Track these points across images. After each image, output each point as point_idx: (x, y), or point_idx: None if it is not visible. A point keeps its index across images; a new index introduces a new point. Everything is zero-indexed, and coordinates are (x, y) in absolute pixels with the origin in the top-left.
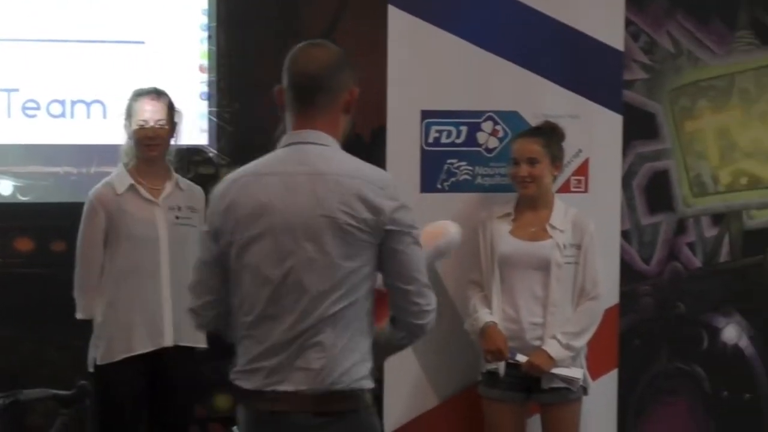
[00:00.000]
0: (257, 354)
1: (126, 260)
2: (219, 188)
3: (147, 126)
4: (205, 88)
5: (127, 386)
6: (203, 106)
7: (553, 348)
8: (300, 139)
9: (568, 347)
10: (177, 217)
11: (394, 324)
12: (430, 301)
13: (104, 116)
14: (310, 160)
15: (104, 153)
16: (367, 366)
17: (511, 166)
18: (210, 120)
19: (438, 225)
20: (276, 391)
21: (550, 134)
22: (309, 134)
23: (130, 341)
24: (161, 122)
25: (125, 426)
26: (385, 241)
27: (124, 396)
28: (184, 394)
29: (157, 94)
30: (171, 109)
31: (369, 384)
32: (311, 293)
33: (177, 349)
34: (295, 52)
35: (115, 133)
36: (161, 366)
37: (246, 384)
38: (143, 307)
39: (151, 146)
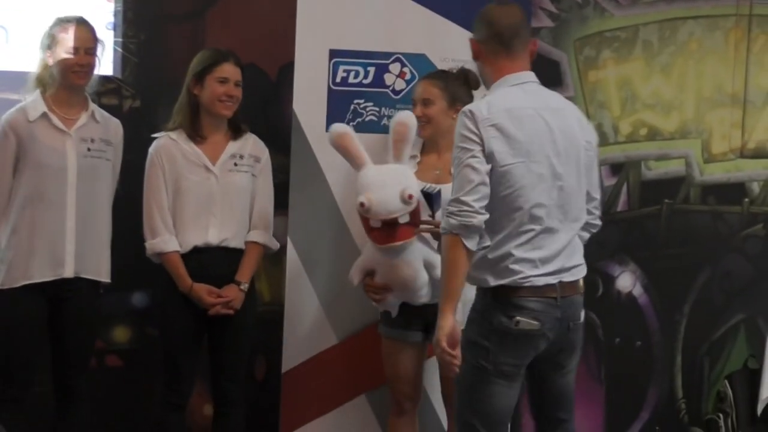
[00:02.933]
0: (544, 257)
1: (32, 187)
2: (483, 116)
3: (78, 53)
4: (111, 18)
5: (25, 313)
6: (110, 37)
7: None
8: (526, 79)
9: None
10: (89, 149)
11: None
12: None
13: (6, 42)
14: (543, 96)
15: (5, 79)
16: None
17: (413, 108)
18: (115, 51)
19: None
20: (563, 282)
21: (454, 77)
22: (529, 75)
23: (29, 268)
24: (91, 50)
25: (22, 353)
26: None
27: (21, 323)
28: (86, 327)
29: (84, 22)
30: (96, 39)
31: None
32: (574, 210)
33: (80, 282)
34: (494, 11)
35: (17, 60)
36: (64, 297)
37: (538, 281)
38: (45, 235)
39: (80, 74)
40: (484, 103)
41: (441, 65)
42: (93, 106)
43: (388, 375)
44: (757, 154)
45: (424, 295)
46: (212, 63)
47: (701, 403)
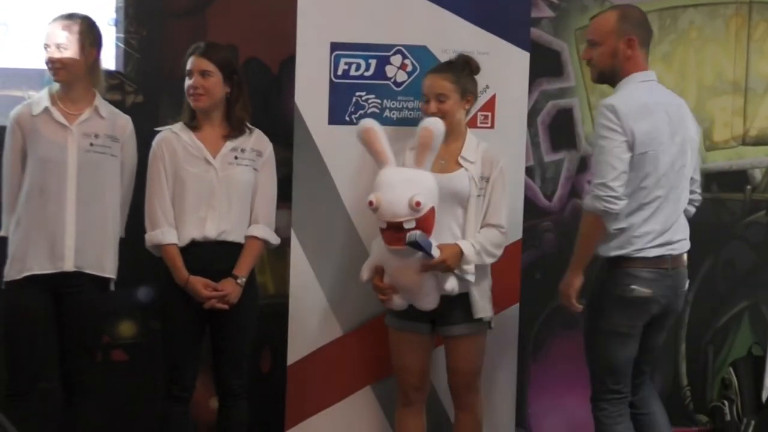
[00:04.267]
0: (659, 230)
1: (34, 181)
2: (624, 111)
3: (49, 49)
4: (113, 14)
5: (28, 305)
6: (112, 33)
7: (466, 246)
8: (651, 78)
9: (478, 253)
10: (91, 144)
11: None
12: None
13: (6, 37)
14: (664, 92)
15: (7, 76)
16: None
17: (423, 103)
18: (117, 46)
19: None
20: (672, 254)
21: (461, 68)
22: (652, 74)
23: (29, 261)
24: (62, 46)
25: (26, 345)
26: None
27: (24, 314)
28: (90, 322)
29: (68, 18)
30: (84, 34)
31: None
32: (684, 191)
33: (83, 277)
34: (643, 13)
35: (18, 56)
36: (67, 291)
37: (652, 253)
38: (45, 228)
39: (53, 70)
40: (621, 99)
41: (442, 57)
42: (99, 102)
43: (395, 366)
44: (759, 141)
45: (430, 303)
46: (186, 58)
47: (706, 391)
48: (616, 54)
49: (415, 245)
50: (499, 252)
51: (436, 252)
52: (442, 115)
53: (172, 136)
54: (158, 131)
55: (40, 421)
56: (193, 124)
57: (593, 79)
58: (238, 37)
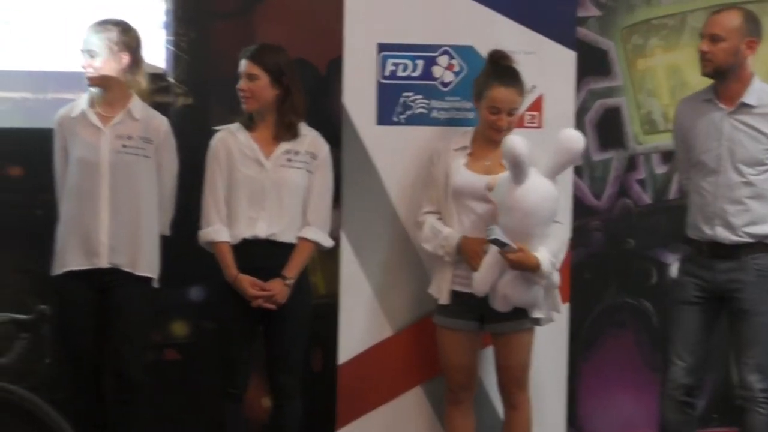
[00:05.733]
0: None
1: (72, 180)
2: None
3: (83, 55)
4: (164, 17)
5: (70, 300)
6: (162, 35)
7: (542, 255)
8: None
9: (552, 263)
10: (124, 146)
11: None
12: None
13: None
14: None
15: (61, 79)
16: None
17: (489, 113)
18: (167, 48)
19: None
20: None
21: (521, 79)
22: None
23: (67, 257)
24: (94, 52)
25: (72, 337)
26: None
27: (67, 309)
28: (131, 319)
29: (101, 24)
30: (116, 40)
31: None
32: None
33: (119, 273)
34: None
35: (73, 60)
36: (106, 288)
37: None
38: (81, 226)
39: (88, 75)
40: None
41: None
42: (135, 104)
43: (443, 365)
44: None
45: (503, 306)
46: (239, 61)
47: None
48: (737, 53)
49: (496, 242)
50: (563, 255)
51: (512, 245)
52: (509, 127)
53: (229, 136)
54: (216, 130)
55: (99, 416)
56: (250, 125)
57: (705, 72)
58: (285, 37)
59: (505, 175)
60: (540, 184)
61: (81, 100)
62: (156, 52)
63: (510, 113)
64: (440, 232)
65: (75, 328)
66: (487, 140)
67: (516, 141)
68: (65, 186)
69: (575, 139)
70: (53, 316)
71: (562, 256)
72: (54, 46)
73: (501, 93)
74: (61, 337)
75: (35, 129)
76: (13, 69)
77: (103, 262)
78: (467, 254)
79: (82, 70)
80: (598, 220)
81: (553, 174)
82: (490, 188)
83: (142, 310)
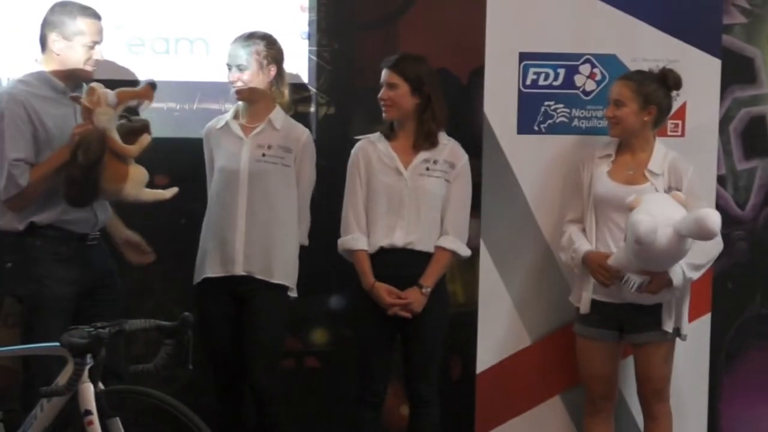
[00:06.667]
0: None
1: (214, 189)
2: None
3: (230, 69)
4: (306, 28)
5: (208, 306)
6: (304, 46)
7: (676, 275)
8: None
9: (687, 280)
10: (263, 155)
11: None
12: None
13: (207, 53)
14: None
15: (206, 90)
16: None
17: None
18: (310, 59)
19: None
20: None
21: (652, 78)
22: None
23: (205, 264)
24: (242, 66)
25: (210, 345)
26: None
27: (206, 315)
28: (266, 327)
29: (248, 38)
30: (263, 53)
31: None
32: None
33: (256, 282)
34: None
35: (216, 71)
36: (244, 296)
37: None
38: (219, 233)
39: (236, 90)
40: None
41: (632, 65)
42: (275, 114)
43: (583, 374)
44: None
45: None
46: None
47: None
48: None
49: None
50: (706, 259)
51: (639, 278)
52: (615, 120)
53: (369, 146)
54: (358, 140)
55: (239, 424)
56: (390, 134)
57: None
58: (427, 48)
59: (648, 196)
60: (670, 245)
61: (227, 113)
62: (297, 63)
63: (616, 104)
64: (573, 243)
65: (213, 337)
66: (628, 148)
67: (642, 223)
68: (209, 195)
69: (712, 221)
70: (196, 323)
71: (704, 270)
72: (199, 58)
73: (613, 84)
74: (202, 344)
75: (180, 138)
76: (160, 79)
77: (238, 270)
78: (591, 269)
79: (227, 81)
80: (742, 229)
81: (680, 232)
82: (631, 207)
83: (275, 320)
